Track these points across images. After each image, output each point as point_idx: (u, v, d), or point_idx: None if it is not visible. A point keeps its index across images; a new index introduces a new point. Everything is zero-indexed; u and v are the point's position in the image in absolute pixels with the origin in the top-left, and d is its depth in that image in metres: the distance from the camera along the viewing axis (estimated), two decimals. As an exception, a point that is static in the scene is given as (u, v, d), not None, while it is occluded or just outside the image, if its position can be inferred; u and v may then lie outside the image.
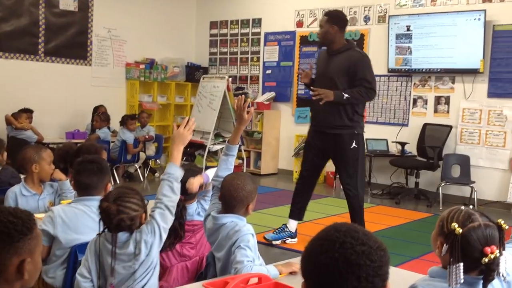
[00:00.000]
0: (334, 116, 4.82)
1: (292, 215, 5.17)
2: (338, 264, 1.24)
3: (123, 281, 2.27)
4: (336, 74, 4.78)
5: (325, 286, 1.27)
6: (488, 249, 1.67)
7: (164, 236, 2.33)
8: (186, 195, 2.89)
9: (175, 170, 2.39)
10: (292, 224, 5.17)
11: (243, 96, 3.16)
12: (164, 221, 2.31)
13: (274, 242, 5.04)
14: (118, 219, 2.18)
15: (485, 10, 7.15)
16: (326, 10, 5.47)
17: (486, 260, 1.66)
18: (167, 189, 2.35)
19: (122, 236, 2.24)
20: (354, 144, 4.84)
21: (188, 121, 2.51)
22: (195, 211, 3.03)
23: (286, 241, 5.11)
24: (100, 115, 8.14)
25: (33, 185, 3.39)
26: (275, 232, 5.14)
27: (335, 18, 4.90)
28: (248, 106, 2.80)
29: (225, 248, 2.41)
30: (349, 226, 1.33)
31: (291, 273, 2.36)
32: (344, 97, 4.69)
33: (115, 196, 2.23)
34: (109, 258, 2.23)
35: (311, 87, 4.94)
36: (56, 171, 3.47)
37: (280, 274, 2.33)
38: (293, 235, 5.15)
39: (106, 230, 2.25)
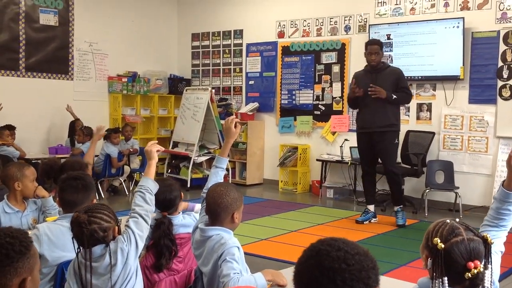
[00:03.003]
0: (382, 118, 6.27)
1: (369, 202, 6.63)
2: (313, 270, 1.30)
3: None
4: (385, 87, 6.22)
5: None
6: (471, 264, 1.66)
7: (141, 245, 2.35)
8: (168, 209, 2.93)
9: (147, 182, 2.51)
10: (371, 208, 6.59)
11: (237, 113, 3.33)
12: (139, 228, 2.35)
13: (365, 223, 6.44)
14: (90, 230, 2.17)
15: (463, 18, 7.26)
16: (373, 39, 6.86)
17: (470, 275, 1.66)
18: (139, 199, 2.45)
19: (97, 249, 2.24)
20: (396, 140, 6.47)
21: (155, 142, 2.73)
22: (180, 221, 3.03)
23: (371, 221, 6.53)
24: (83, 129, 8.08)
25: (16, 202, 3.36)
26: (361, 216, 6.54)
27: (382, 45, 6.47)
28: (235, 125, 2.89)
29: (211, 262, 2.40)
30: (332, 237, 1.38)
31: (279, 285, 2.36)
32: (393, 97, 6.24)
33: (86, 208, 2.27)
34: (88, 274, 2.22)
35: (370, 87, 6.21)
36: (39, 188, 3.44)
37: (268, 284, 2.32)
38: (374, 215, 6.60)
39: (81, 248, 2.23)
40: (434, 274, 1.69)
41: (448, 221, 1.78)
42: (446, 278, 1.67)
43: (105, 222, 2.23)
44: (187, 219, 3.06)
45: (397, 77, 6.38)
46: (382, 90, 6.18)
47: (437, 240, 1.70)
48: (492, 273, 1.71)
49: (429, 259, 1.72)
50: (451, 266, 1.68)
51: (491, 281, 1.70)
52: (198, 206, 3.04)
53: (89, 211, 2.24)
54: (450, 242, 1.70)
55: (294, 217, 6.89)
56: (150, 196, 2.46)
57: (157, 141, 2.78)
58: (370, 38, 8.06)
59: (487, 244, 1.72)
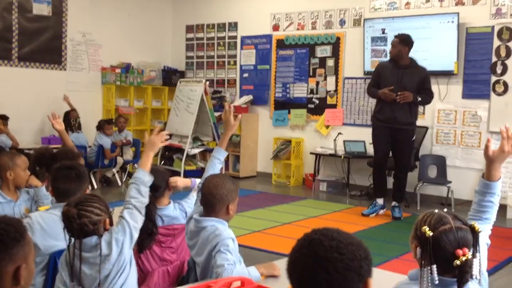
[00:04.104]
0: (403, 116, 6.32)
1: (379, 195, 6.61)
2: (307, 259, 1.31)
3: (99, 286, 2.25)
4: (409, 86, 6.29)
5: (301, 282, 1.32)
6: (459, 251, 1.68)
7: (135, 235, 2.35)
8: (154, 193, 2.88)
9: (143, 175, 2.48)
10: (380, 200, 6.60)
11: (230, 104, 3.29)
12: (134, 219, 2.35)
13: (371, 216, 6.48)
14: (80, 223, 2.17)
15: (458, 13, 7.27)
16: (399, 34, 6.59)
17: (458, 262, 1.67)
18: (134, 191, 2.42)
19: (91, 240, 2.23)
20: (413, 138, 6.55)
21: (160, 130, 2.66)
22: (172, 212, 3.01)
23: (379, 213, 6.56)
24: (74, 121, 8.07)
25: (8, 192, 3.34)
26: (369, 208, 6.58)
27: (406, 41, 6.37)
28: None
29: (205, 253, 2.40)
30: (326, 227, 1.39)
31: (272, 276, 2.36)
32: (418, 99, 6.35)
33: (77, 201, 2.25)
34: (80, 264, 2.22)
35: (397, 93, 6.26)
36: (31, 178, 3.42)
37: (261, 276, 2.33)
38: (382, 206, 6.60)
39: (72, 239, 2.23)
40: (423, 262, 1.70)
41: (436, 211, 1.80)
42: (435, 266, 1.68)
43: (95, 216, 2.22)
44: (177, 210, 3.04)
45: (424, 77, 6.41)
46: (409, 95, 6.22)
47: (425, 228, 1.71)
48: (481, 262, 1.72)
49: (418, 248, 1.74)
50: (439, 254, 1.69)
51: (479, 270, 1.71)
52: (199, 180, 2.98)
53: (79, 204, 2.21)
54: (438, 230, 1.71)
55: (287, 209, 6.91)
56: (144, 188, 2.45)
57: (162, 133, 2.67)
58: (365, 32, 8.10)
59: (475, 233, 1.73)
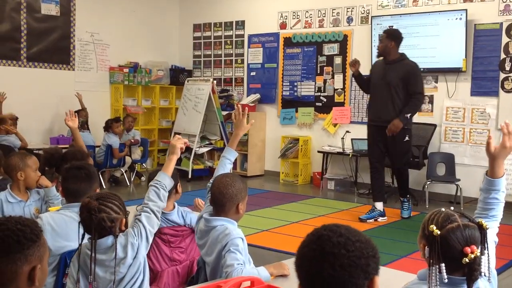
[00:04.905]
0: (387, 114, 5.99)
1: (376, 199, 6.23)
2: (314, 254, 1.32)
3: None
4: (393, 81, 5.98)
5: (308, 277, 1.33)
6: (468, 249, 1.67)
7: (150, 239, 2.34)
8: None
9: (164, 179, 2.47)
10: (379, 205, 6.20)
11: (243, 106, 3.27)
12: (151, 224, 2.34)
13: (368, 221, 6.07)
14: (99, 218, 2.15)
15: (466, 10, 7.24)
16: (387, 29, 6.61)
17: (467, 260, 1.67)
18: (153, 194, 2.41)
19: (106, 240, 2.21)
20: (407, 138, 6.10)
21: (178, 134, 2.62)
22: (176, 218, 2.98)
23: (378, 219, 6.14)
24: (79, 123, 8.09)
25: (19, 192, 3.36)
26: (367, 213, 6.16)
27: (392, 36, 6.15)
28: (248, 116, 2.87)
29: (214, 252, 2.41)
30: (336, 223, 1.39)
31: (282, 275, 2.37)
32: (408, 116, 5.98)
33: (98, 195, 2.25)
34: (93, 265, 2.20)
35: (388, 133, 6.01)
36: (42, 178, 3.44)
37: (271, 276, 2.34)
38: (382, 214, 6.20)
39: (87, 238, 2.21)
40: (431, 261, 1.70)
41: (443, 209, 1.80)
42: (443, 265, 1.68)
43: (114, 213, 2.21)
44: (181, 218, 3.02)
45: (408, 71, 6.02)
46: (395, 126, 5.90)
47: (432, 227, 1.71)
48: (489, 260, 1.72)
49: (426, 247, 1.74)
50: (447, 252, 1.69)
51: (488, 268, 1.70)
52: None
53: (100, 198, 2.22)
54: (446, 228, 1.71)
55: (295, 208, 6.91)
56: (164, 193, 2.44)
57: (182, 139, 2.64)
58: (372, 29, 8.07)
59: (482, 230, 1.73)
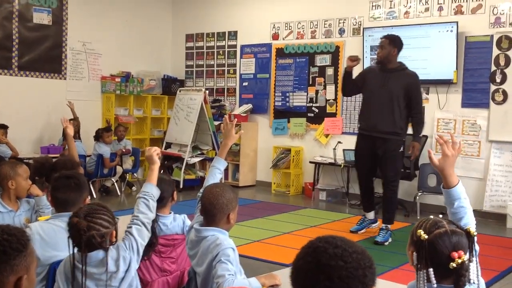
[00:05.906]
0: (384, 125, 5.64)
1: (367, 209, 6.06)
2: (310, 267, 1.30)
3: None
4: (395, 91, 5.60)
5: None
6: (455, 254, 1.67)
7: (141, 252, 2.34)
8: (158, 203, 2.87)
9: (151, 189, 2.49)
10: (369, 215, 6.05)
11: (232, 116, 3.29)
12: (142, 237, 2.33)
13: (359, 232, 5.98)
14: (88, 236, 2.12)
15: (457, 22, 7.30)
16: (388, 34, 6.04)
17: (454, 264, 1.67)
18: (143, 206, 2.42)
19: (97, 254, 2.18)
20: (400, 149, 5.74)
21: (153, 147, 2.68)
22: (170, 224, 2.99)
23: (370, 227, 6.05)
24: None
25: (9, 202, 3.34)
26: (357, 224, 6.07)
27: (395, 42, 5.70)
28: (237, 126, 2.87)
29: (205, 262, 2.39)
30: (331, 235, 1.39)
31: (273, 286, 2.36)
32: (418, 133, 5.77)
33: (86, 212, 2.19)
34: (84, 278, 2.16)
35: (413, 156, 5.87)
36: (33, 187, 3.42)
37: (262, 287, 2.32)
38: (373, 221, 6.05)
39: (76, 250, 2.17)
40: (419, 266, 1.70)
41: (432, 217, 1.81)
42: (431, 270, 1.68)
43: (103, 228, 2.17)
44: (176, 221, 3.02)
45: (412, 83, 5.68)
46: (417, 149, 5.75)
47: (420, 231, 1.72)
48: (478, 268, 1.72)
49: (414, 253, 1.73)
50: (435, 258, 1.69)
51: (477, 275, 1.70)
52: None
53: (88, 215, 2.17)
54: (433, 233, 1.71)
55: (286, 219, 6.89)
56: (153, 203, 2.45)
57: (154, 147, 2.68)
58: (364, 41, 8.11)
59: (470, 237, 1.73)
